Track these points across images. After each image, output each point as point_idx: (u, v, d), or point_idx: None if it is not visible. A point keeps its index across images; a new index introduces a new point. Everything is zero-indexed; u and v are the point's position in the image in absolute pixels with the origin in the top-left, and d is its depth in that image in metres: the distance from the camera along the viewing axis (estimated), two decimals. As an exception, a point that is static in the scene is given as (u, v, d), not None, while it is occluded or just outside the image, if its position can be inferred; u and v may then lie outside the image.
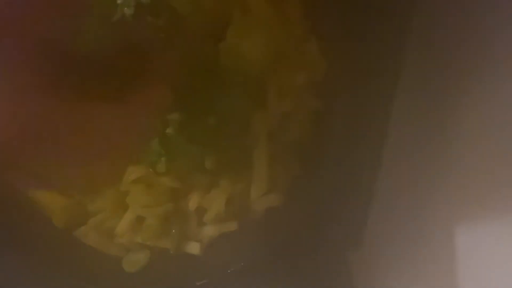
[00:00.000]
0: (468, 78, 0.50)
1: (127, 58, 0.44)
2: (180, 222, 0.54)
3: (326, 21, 0.50)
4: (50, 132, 0.32)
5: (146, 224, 0.54)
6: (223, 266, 0.54)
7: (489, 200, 0.48)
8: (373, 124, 0.52)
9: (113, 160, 0.37)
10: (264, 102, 0.52)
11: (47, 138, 0.32)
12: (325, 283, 0.57)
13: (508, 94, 0.48)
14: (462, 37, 0.52)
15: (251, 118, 0.52)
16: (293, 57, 0.51)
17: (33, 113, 0.30)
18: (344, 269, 0.59)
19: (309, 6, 0.50)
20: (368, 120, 0.52)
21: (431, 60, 0.52)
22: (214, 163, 0.52)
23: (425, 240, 0.55)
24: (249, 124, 0.52)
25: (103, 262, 0.55)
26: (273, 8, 0.49)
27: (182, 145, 0.50)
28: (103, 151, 0.35)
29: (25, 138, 0.31)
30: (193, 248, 0.54)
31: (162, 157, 0.50)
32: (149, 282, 0.54)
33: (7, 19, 0.29)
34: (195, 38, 0.48)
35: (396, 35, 0.48)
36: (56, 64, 0.32)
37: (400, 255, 0.56)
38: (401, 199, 0.58)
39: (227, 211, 0.54)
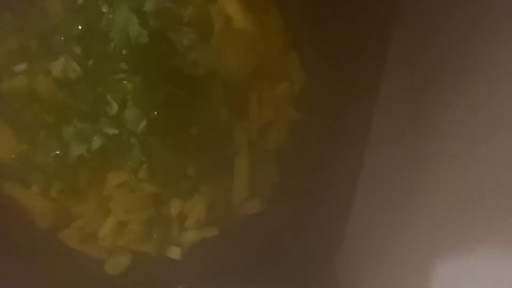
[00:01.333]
0: (446, 104, 0.51)
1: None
2: (162, 227, 0.55)
3: (307, 34, 0.51)
4: None
5: (128, 228, 0.55)
6: (203, 270, 0.55)
7: (466, 225, 0.49)
8: (351, 134, 0.53)
9: None
10: (245, 111, 0.53)
11: None
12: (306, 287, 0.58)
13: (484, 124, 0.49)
14: (443, 54, 0.53)
15: (232, 127, 0.53)
16: (273, 68, 0.52)
17: None
18: (325, 272, 0.60)
19: (289, 19, 0.51)
20: (346, 130, 0.53)
21: (410, 80, 0.53)
22: (195, 170, 0.53)
23: (404, 243, 0.56)
24: (230, 133, 0.53)
25: (86, 264, 0.56)
26: (254, 20, 0.50)
27: (164, 153, 0.51)
28: None
29: None
30: (174, 252, 0.55)
31: (144, 164, 0.51)
32: (130, 285, 0.55)
33: None
34: (177, 48, 0.49)
35: (376, 50, 0.49)
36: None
37: (381, 255, 0.57)
38: (379, 201, 0.58)
39: (208, 217, 0.55)
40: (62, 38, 0.48)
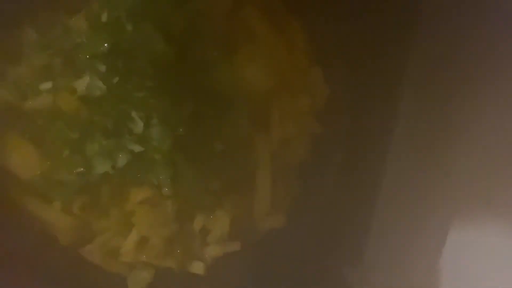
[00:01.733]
0: (465, 99, 0.51)
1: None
2: (185, 242, 0.55)
3: (330, 50, 0.51)
4: None
5: (151, 243, 0.55)
6: (226, 285, 0.55)
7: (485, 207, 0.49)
8: (373, 146, 0.53)
9: None
10: (268, 125, 0.53)
11: None
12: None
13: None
14: (464, 63, 0.53)
15: (255, 141, 0.53)
16: (296, 82, 0.52)
17: None
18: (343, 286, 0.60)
19: (312, 35, 0.52)
20: (368, 143, 0.53)
21: (429, 90, 0.53)
22: (218, 185, 0.53)
23: (420, 257, 0.56)
24: (253, 147, 0.53)
25: (108, 280, 0.56)
26: (277, 36, 0.51)
27: (188, 169, 0.51)
28: None
29: None
30: (197, 267, 0.55)
31: (167, 180, 0.51)
32: (153, 300, 0.55)
33: None
34: (201, 64, 0.50)
35: (398, 63, 0.50)
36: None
37: (399, 273, 0.57)
38: (398, 211, 0.58)
39: (230, 232, 0.54)
40: (87, 56, 0.48)
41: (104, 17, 0.49)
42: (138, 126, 0.48)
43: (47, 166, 0.53)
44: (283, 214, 0.55)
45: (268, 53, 0.51)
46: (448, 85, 0.54)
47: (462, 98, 0.53)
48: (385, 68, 0.53)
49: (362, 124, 0.53)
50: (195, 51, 0.49)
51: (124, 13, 0.47)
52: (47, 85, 0.51)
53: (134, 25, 0.48)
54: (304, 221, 0.56)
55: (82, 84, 0.49)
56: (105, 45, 0.47)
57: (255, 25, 0.50)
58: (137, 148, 0.49)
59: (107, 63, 0.48)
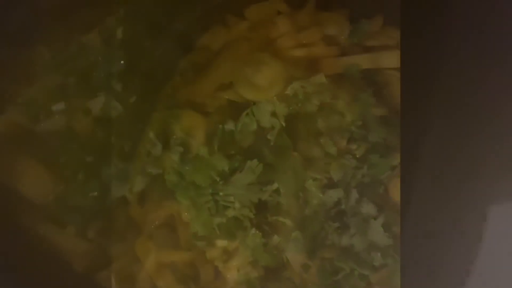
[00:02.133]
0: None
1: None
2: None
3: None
4: None
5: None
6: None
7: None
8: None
9: None
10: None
11: None
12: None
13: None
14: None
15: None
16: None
17: None
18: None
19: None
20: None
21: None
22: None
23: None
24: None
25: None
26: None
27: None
28: None
29: None
30: (218, 294, 0.53)
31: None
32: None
33: None
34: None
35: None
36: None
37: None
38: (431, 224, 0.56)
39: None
40: (102, 74, 0.46)
41: (119, 34, 0.47)
42: (156, 148, 0.46)
43: (60, 190, 0.51)
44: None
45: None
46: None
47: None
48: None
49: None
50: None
51: (141, 28, 0.45)
52: (60, 106, 0.49)
53: (152, 40, 0.46)
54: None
55: (97, 104, 0.47)
56: (121, 62, 0.45)
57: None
58: (155, 171, 0.47)
59: (123, 82, 0.46)
